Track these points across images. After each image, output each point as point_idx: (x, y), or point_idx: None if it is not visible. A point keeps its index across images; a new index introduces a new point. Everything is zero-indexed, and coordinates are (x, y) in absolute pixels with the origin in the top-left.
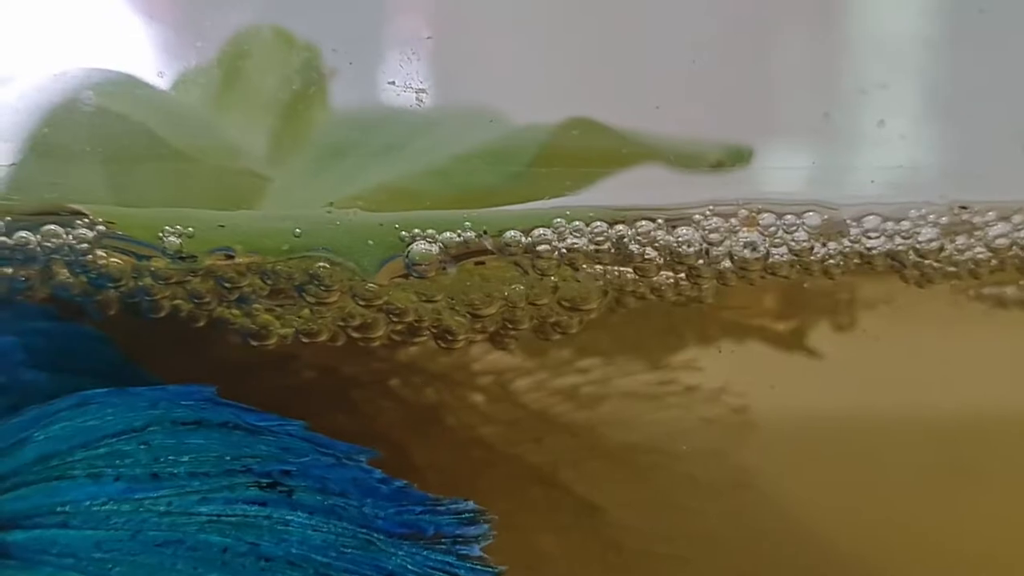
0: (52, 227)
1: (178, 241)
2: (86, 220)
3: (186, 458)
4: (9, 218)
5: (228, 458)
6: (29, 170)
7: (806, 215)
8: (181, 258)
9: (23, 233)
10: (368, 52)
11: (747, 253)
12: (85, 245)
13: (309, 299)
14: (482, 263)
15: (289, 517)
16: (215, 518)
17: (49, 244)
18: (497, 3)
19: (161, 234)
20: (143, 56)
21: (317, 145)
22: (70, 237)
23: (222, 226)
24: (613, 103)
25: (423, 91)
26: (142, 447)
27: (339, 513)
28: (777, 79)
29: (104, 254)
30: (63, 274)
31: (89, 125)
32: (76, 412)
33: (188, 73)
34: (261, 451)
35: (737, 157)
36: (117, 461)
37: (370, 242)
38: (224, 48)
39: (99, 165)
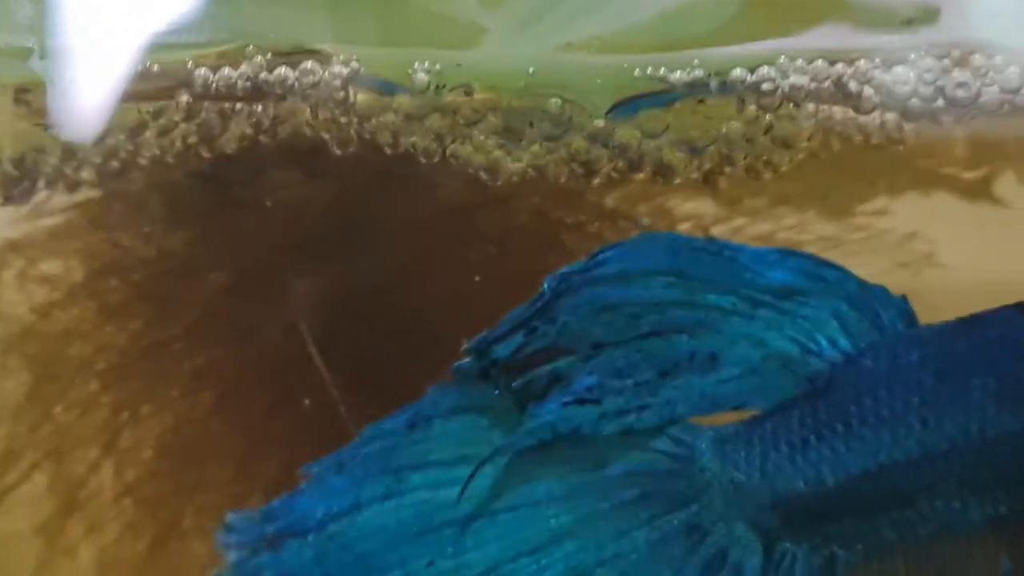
0: (310, 64)
1: (427, 78)
2: (339, 58)
3: None
4: (269, 55)
5: None
6: (255, 13)
7: (1014, 57)
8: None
9: (282, 70)
10: None
11: (959, 92)
12: (338, 82)
13: (539, 135)
14: (702, 101)
15: None
16: None
17: (306, 80)
18: None
19: (410, 71)
20: None
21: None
22: (326, 73)
23: (459, 65)
24: None
25: None
26: None
27: None
28: None
29: (354, 91)
30: (308, 112)
31: None
32: None
33: None
34: None
35: (926, 15)
36: None
37: (599, 81)
38: None
39: (321, 6)
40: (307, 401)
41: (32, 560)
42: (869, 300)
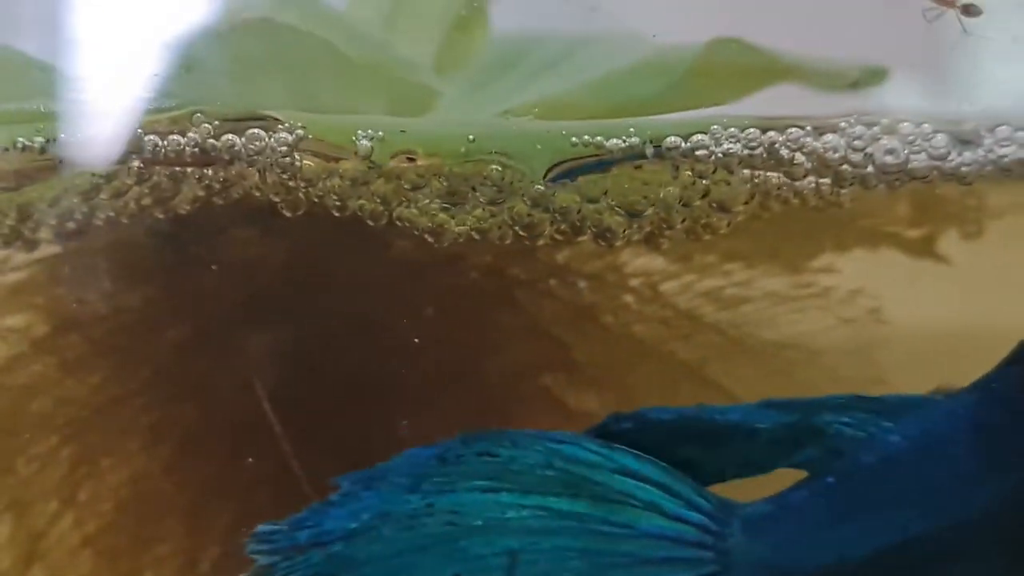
0: (256, 131)
1: (369, 144)
2: (285, 125)
3: None
4: (217, 122)
5: None
6: (217, 80)
7: (942, 125)
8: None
9: (229, 136)
10: None
11: (888, 159)
12: (284, 148)
13: (482, 199)
14: (639, 166)
15: None
16: None
17: (252, 146)
18: None
19: (355, 137)
20: None
21: (479, 63)
22: (271, 140)
23: (403, 131)
24: (757, 24)
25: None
26: None
27: None
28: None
29: (300, 156)
30: (256, 176)
31: (272, 40)
32: None
33: None
34: None
35: (873, 76)
36: None
37: (538, 146)
38: None
39: (281, 76)
40: (250, 459)
41: None
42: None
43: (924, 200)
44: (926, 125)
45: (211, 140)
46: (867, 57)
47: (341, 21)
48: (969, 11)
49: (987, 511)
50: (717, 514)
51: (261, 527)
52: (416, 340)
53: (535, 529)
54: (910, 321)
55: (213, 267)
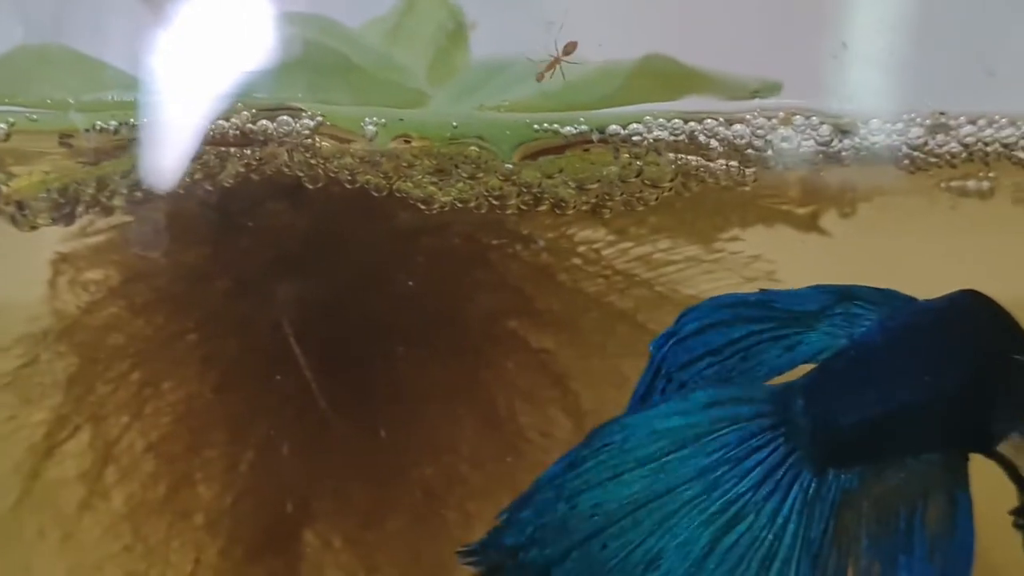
0: (285, 118)
1: (374, 130)
2: (307, 113)
3: None
4: (254, 110)
5: None
6: (256, 79)
7: (827, 118)
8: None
9: (264, 121)
10: (497, 14)
11: (784, 144)
12: (307, 131)
13: (463, 174)
14: (587, 149)
15: None
16: None
17: (282, 130)
18: None
19: (362, 123)
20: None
21: (462, 77)
22: (297, 125)
23: (401, 119)
24: (681, 44)
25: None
26: None
27: None
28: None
29: (319, 139)
30: (285, 155)
31: (301, 49)
32: None
33: (372, 19)
34: None
35: (769, 88)
36: None
37: (508, 132)
38: (396, 3)
39: (306, 77)
40: (279, 376)
41: (76, 500)
42: (886, 295)
43: (811, 185)
44: (814, 118)
45: (249, 125)
46: (769, 68)
47: (353, 38)
48: (568, 50)
49: (944, 388)
50: (778, 398)
51: (466, 547)
52: (410, 283)
53: (660, 491)
54: (798, 282)
55: (249, 225)
